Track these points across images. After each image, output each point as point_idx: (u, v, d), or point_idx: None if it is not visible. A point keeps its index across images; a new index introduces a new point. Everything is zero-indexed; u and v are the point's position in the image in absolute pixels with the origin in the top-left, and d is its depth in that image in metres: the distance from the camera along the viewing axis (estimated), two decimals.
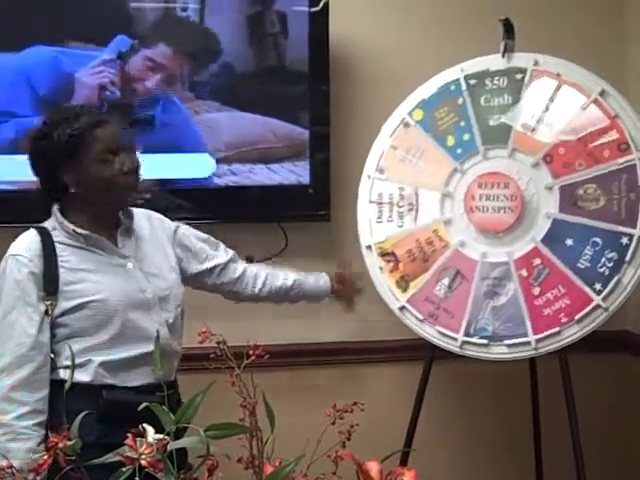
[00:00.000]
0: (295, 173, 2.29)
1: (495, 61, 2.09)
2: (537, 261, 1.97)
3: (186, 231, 1.88)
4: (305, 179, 2.30)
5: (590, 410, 2.18)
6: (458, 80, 2.11)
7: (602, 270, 1.91)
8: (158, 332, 1.26)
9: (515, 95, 2.05)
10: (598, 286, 1.90)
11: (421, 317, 2.05)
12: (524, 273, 1.98)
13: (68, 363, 1.60)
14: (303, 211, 2.24)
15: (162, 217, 1.86)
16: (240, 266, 1.96)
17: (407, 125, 2.15)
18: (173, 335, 1.74)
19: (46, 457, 0.93)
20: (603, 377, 2.49)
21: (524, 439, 2.36)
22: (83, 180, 1.65)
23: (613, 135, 1.96)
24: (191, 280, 1.87)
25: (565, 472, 2.08)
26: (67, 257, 1.64)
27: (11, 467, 0.92)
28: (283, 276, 2.01)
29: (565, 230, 1.96)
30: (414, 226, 2.11)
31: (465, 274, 2.04)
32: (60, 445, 0.93)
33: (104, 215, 1.71)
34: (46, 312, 1.61)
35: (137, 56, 2.19)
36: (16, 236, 1.67)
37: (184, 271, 1.84)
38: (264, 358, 1.05)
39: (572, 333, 1.92)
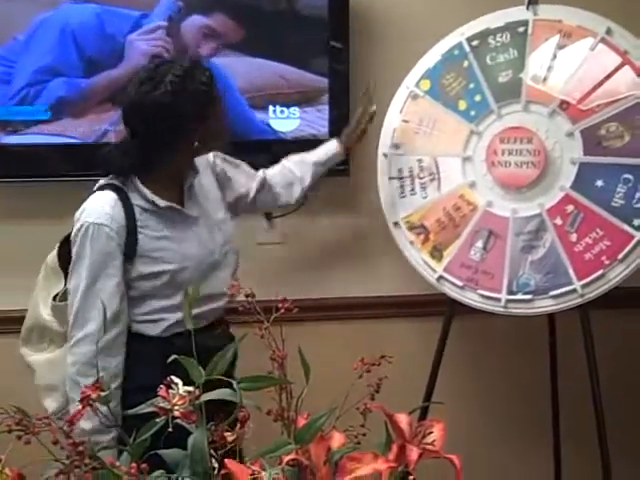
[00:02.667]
0: (313, 126, 2.23)
1: (494, 19, 2.07)
2: (570, 207, 1.93)
3: (220, 162, 1.86)
4: (324, 132, 2.24)
5: (610, 367, 2.15)
6: (460, 44, 2.08)
7: (638, 205, 1.87)
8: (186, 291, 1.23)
9: (520, 48, 2.03)
10: (637, 222, 1.87)
11: (460, 283, 2.01)
12: (558, 222, 1.94)
13: (142, 318, 1.66)
14: None
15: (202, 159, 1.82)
16: (267, 183, 1.96)
17: (415, 97, 2.12)
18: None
19: (80, 408, 0.90)
20: (622, 333, 2.43)
21: (542, 395, 2.33)
22: (210, 134, 1.64)
23: (627, 71, 1.94)
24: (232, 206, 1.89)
25: (583, 428, 2.08)
26: (145, 222, 1.64)
27: (47, 417, 0.89)
28: (297, 181, 2.00)
29: (593, 172, 1.92)
30: (439, 195, 2.07)
31: (498, 233, 1.99)
32: (93, 396, 0.89)
33: (179, 175, 1.70)
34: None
35: (189, 21, 2.14)
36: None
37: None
38: (292, 312, 1.03)
39: (618, 273, 1.87)
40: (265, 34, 2.17)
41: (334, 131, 2.21)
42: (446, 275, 2.03)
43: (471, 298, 2.00)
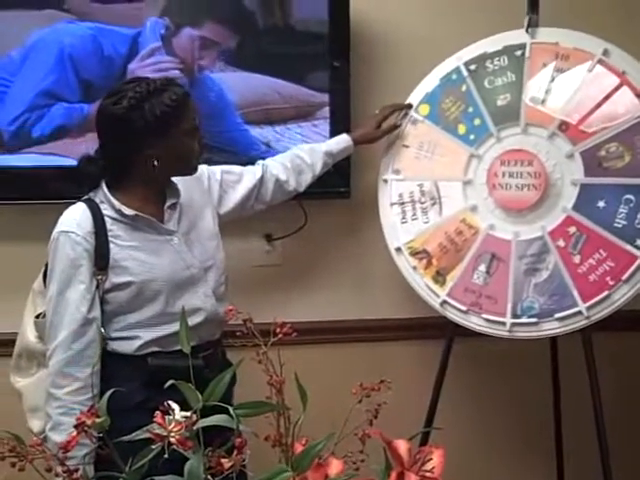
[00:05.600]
0: (308, 142, 2.17)
1: (492, 43, 2.08)
2: (572, 229, 1.92)
3: (213, 175, 1.87)
4: None
5: (613, 390, 2.14)
6: (458, 68, 2.09)
7: None
8: (183, 308, 1.23)
9: (518, 71, 2.03)
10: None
11: (464, 308, 1.99)
12: (561, 244, 1.93)
13: (117, 335, 1.66)
14: (323, 188, 2.12)
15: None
16: (270, 176, 1.96)
17: (415, 122, 2.12)
18: (220, 303, 1.75)
19: (74, 434, 0.89)
20: (624, 356, 2.41)
21: (545, 419, 2.31)
22: (169, 154, 1.63)
23: (625, 91, 1.94)
24: (227, 217, 1.89)
25: (586, 451, 2.06)
26: (116, 232, 1.65)
27: (41, 444, 0.88)
28: (308, 168, 2.02)
29: (595, 193, 1.92)
30: (440, 219, 2.06)
31: (501, 256, 1.98)
32: (88, 422, 0.88)
33: (155, 191, 1.70)
34: (97, 286, 1.62)
35: (180, 36, 2.13)
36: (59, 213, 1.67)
37: (227, 205, 1.87)
38: (291, 336, 1.01)
39: (623, 294, 1.86)
40: (263, 49, 2.17)
41: None
42: (450, 300, 2.01)
43: (475, 323, 1.98)
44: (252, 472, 0.92)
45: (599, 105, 1.95)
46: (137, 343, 1.65)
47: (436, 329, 2.15)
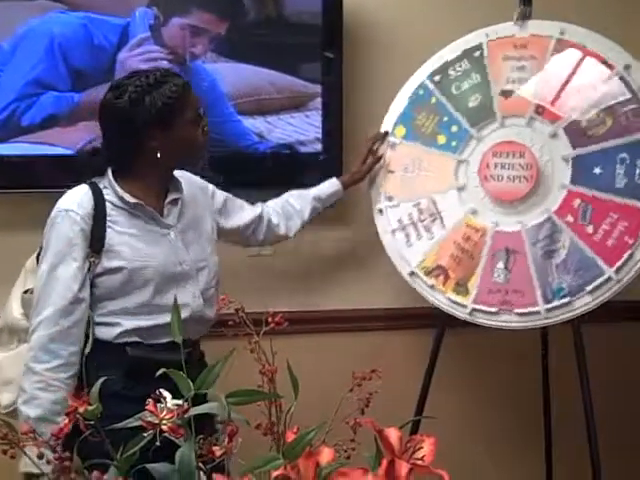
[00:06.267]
0: (301, 132, 2.20)
1: (450, 50, 2.09)
2: (577, 202, 1.89)
3: (221, 194, 1.90)
4: (311, 138, 2.22)
5: (602, 381, 2.08)
6: (423, 83, 2.10)
7: None
8: (176, 299, 1.18)
9: (481, 71, 2.04)
10: None
11: (494, 310, 1.93)
12: (570, 219, 1.88)
13: (99, 320, 1.63)
14: (315, 178, 2.10)
15: (202, 182, 1.84)
16: (266, 215, 2.01)
17: (394, 145, 2.12)
18: (207, 304, 1.73)
19: (66, 422, 0.88)
20: (615, 348, 2.35)
21: (535, 409, 2.26)
22: (172, 145, 1.65)
23: (590, 61, 1.93)
24: (225, 234, 1.91)
25: (575, 445, 1.99)
26: (115, 217, 1.65)
27: (33, 431, 0.87)
28: (297, 214, 2.06)
29: (588, 162, 1.89)
30: (445, 231, 2.03)
31: (515, 249, 1.93)
32: (80, 410, 0.87)
33: (158, 184, 1.71)
34: (89, 269, 1.61)
35: (170, 25, 2.14)
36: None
37: (228, 223, 1.90)
38: (283, 325, 1.01)
39: None
40: (255, 40, 2.19)
41: (328, 142, 2.22)
42: (477, 306, 1.95)
43: (508, 320, 1.92)
44: (243, 460, 0.90)
45: (568, 80, 1.94)
46: (117, 330, 1.63)
47: (427, 319, 2.12)
